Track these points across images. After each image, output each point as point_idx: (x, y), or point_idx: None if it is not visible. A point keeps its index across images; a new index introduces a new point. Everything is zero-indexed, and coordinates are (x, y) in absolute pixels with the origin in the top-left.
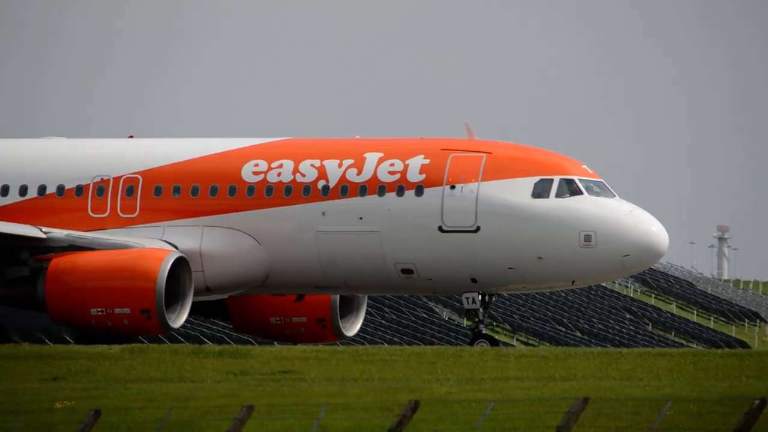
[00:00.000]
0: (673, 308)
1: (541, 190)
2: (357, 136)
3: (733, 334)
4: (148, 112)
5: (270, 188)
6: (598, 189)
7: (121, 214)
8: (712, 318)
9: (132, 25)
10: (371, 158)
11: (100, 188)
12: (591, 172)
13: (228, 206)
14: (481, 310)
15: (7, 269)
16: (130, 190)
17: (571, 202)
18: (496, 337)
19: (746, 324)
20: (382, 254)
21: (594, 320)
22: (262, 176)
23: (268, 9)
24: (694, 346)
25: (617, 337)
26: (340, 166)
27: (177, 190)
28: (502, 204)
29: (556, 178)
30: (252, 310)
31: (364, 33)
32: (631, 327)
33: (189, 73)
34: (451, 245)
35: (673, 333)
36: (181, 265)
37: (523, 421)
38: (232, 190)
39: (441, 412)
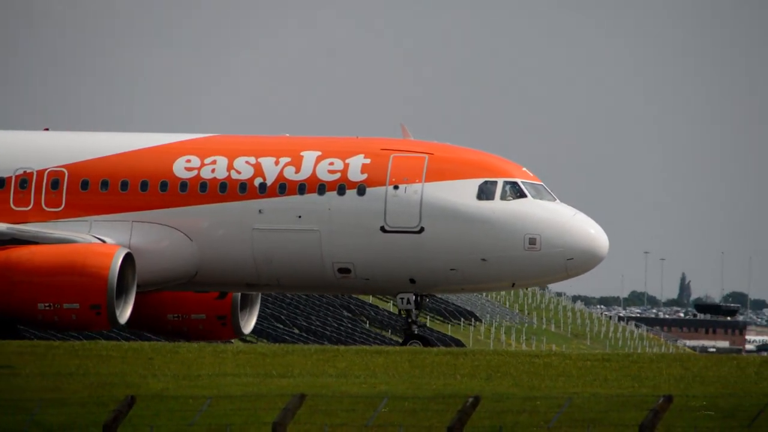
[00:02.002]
0: (390, 306)
1: (485, 192)
2: (287, 134)
3: (449, 333)
4: (62, 105)
5: (204, 184)
6: (540, 192)
7: (45, 207)
8: (428, 317)
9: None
10: (309, 156)
11: (23, 181)
12: (531, 175)
13: (159, 202)
14: (414, 310)
15: None
16: (54, 184)
17: (516, 205)
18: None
19: (462, 323)
20: (321, 253)
21: (312, 317)
22: (195, 172)
23: (207, 5)
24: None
25: (335, 335)
26: (276, 163)
27: (105, 184)
28: (446, 205)
29: (500, 181)
30: (148, 307)
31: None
32: (349, 324)
33: (103, 67)
34: (393, 245)
35: (390, 331)
36: (126, 260)
37: (240, 417)
38: (164, 186)
39: (157, 408)
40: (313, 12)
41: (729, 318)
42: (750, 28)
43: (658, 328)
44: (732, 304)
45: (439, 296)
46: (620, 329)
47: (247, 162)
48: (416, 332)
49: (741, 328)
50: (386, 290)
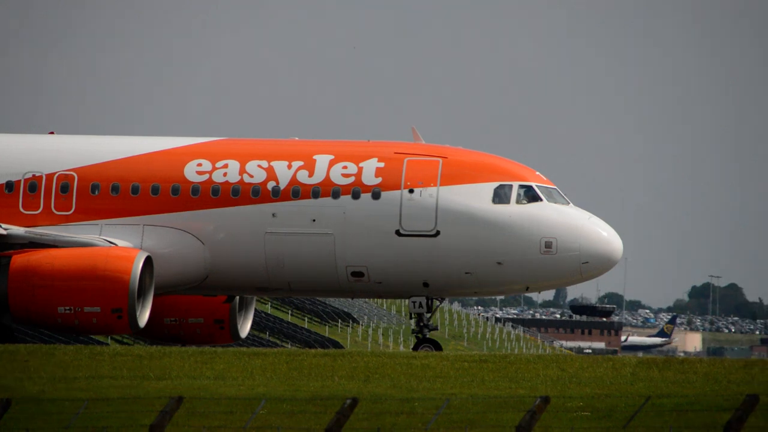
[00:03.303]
0: (268, 308)
1: (501, 196)
2: (295, 138)
3: (327, 335)
4: (69, 109)
5: (216, 188)
6: (553, 195)
7: (55, 211)
8: (306, 318)
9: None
10: (322, 160)
11: (32, 185)
12: (544, 178)
13: (171, 206)
14: (426, 314)
15: None
16: (64, 188)
17: (532, 209)
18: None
19: (339, 324)
20: (334, 257)
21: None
22: (206, 176)
23: (208, 2)
24: (288, 345)
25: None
26: (289, 167)
27: (115, 188)
28: (462, 209)
29: (515, 184)
30: None
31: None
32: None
33: (112, 70)
34: (408, 249)
35: (267, 333)
36: (145, 263)
37: (117, 420)
38: (176, 190)
39: (33, 411)
40: (321, 13)
41: (605, 319)
42: None
43: (534, 329)
44: (607, 305)
45: (317, 299)
46: (497, 330)
47: (259, 166)
48: (427, 336)
49: (617, 329)
50: (398, 294)
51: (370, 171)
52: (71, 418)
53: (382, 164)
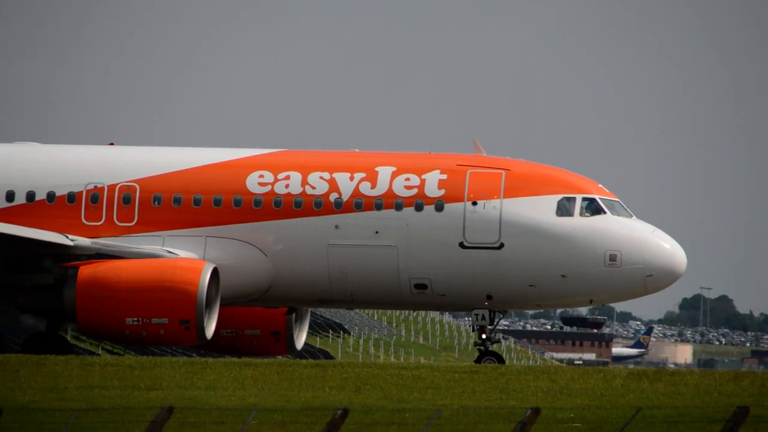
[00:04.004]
0: None
1: (564, 209)
2: (356, 150)
3: (318, 345)
4: (127, 120)
5: (279, 200)
6: (616, 208)
7: (117, 222)
8: None
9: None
10: (384, 172)
11: (94, 196)
12: (607, 191)
13: (233, 217)
14: (489, 327)
15: (29, 276)
16: (126, 199)
17: (595, 221)
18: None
19: (330, 335)
20: (397, 269)
21: None
22: (269, 188)
23: (273, 18)
24: (279, 357)
25: (204, 349)
26: (351, 179)
27: (178, 200)
28: (526, 221)
29: (578, 197)
30: None
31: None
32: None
33: (176, 82)
34: (472, 261)
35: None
36: (212, 275)
37: (107, 430)
38: (238, 201)
39: (24, 421)
40: (382, 23)
41: (595, 330)
42: None
43: (525, 340)
44: (598, 317)
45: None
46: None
47: (321, 177)
48: (490, 349)
49: (607, 341)
50: (461, 306)
51: (432, 183)
52: (62, 428)
53: (444, 176)
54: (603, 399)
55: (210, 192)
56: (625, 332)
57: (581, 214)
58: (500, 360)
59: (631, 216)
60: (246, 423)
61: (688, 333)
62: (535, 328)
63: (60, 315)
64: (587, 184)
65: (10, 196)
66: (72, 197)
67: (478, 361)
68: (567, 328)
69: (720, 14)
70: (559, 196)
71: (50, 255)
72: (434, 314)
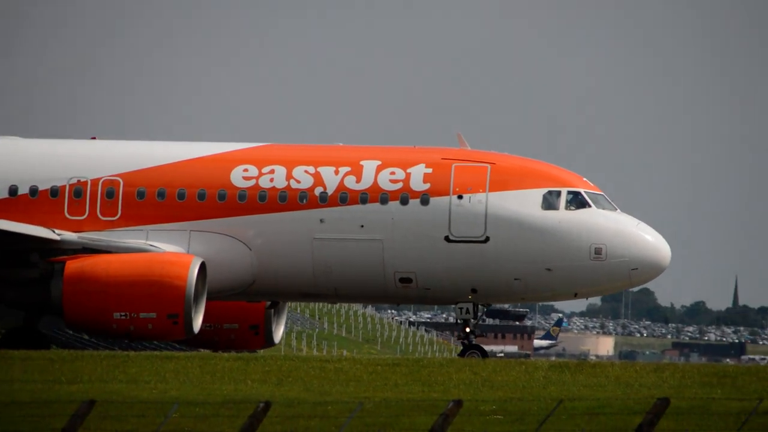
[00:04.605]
0: None
1: (550, 202)
2: (339, 143)
3: None
4: (109, 114)
5: (263, 194)
6: (600, 202)
7: (100, 217)
8: None
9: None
10: (369, 166)
11: (78, 190)
12: (591, 184)
13: (217, 211)
14: (472, 320)
15: (15, 271)
16: (110, 193)
17: (581, 215)
18: None
19: None
20: (382, 263)
21: None
22: (253, 181)
23: (256, 10)
24: (201, 349)
25: (126, 341)
26: (336, 173)
27: (161, 194)
28: (512, 215)
29: (563, 190)
30: None
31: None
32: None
33: (158, 76)
34: (457, 255)
35: None
36: (199, 269)
37: (28, 424)
38: (222, 195)
39: None
40: (360, 17)
41: (517, 323)
42: None
43: (447, 332)
44: (520, 309)
45: None
46: (410, 334)
47: (306, 171)
48: (473, 342)
49: (529, 333)
50: (446, 300)
51: (418, 177)
52: None
53: (429, 170)
54: (525, 391)
55: (194, 186)
56: (548, 324)
57: (566, 208)
58: (484, 354)
59: (616, 209)
60: (167, 416)
61: (610, 325)
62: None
63: (47, 309)
64: (572, 177)
65: None
66: (55, 191)
67: (462, 354)
68: (489, 321)
69: (709, 7)
70: (545, 190)
71: (36, 249)
72: (357, 307)
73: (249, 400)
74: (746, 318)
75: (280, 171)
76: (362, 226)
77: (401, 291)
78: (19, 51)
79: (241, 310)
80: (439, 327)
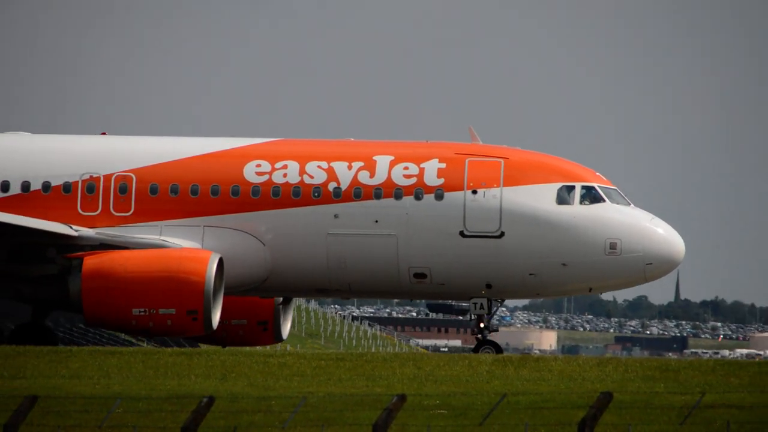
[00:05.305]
0: None
1: (564, 197)
2: (351, 139)
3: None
4: (119, 110)
5: (276, 189)
6: (614, 196)
7: (114, 212)
8: None
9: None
10: (382, 161)
11: (90, 186)
12: (605, 179)
13: (231, 207)
14: (486, 315)
15: (33, 267)
16: (123, 189)
17: (595, 210)
18: None
19: None
20: (397, 258)
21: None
22: (266, 177)
23: (270, 6)
24: (145, 344)
25: (68, 336)
26: (350, 168)
27: (175, 189)
28: (527, 210)
29: (578, 185)
30: None
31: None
32: (81, 325)
33: (170, 71)
34: (472, 250)
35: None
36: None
37: None
38: (235, 191)
39: None
40: (371, 11)
41: (461, 317)
42: None
43: (391, 327)
44: (464, 304)
45: None
46: (354, 329)
47: (319, 167)
48: (488, 338)
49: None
50: (460, 295)
51: (431, 172)
52: None
53: (443, 165)
54: (468, 385)
55: (207, 181)
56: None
57: (581, 203)
58: (498, 349)
59: (629, 204)
60: (110, 411)
61: (553, 319)
62: (400, 315)
63: (65, 306)
64: (585, 172)
65: (5, 186)
66: (67, 187)
67: (475, 350)
68: (433, 315)
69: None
70: (559, 185)
71: (54, 245)
72: (300, 301)
73: (192, 395)
74: (688, 312)
75: (293, 166)
76: (377, 221)
77: (415, 286)
78: (20, 51)
79: (250, 306)
80: (382, 321)
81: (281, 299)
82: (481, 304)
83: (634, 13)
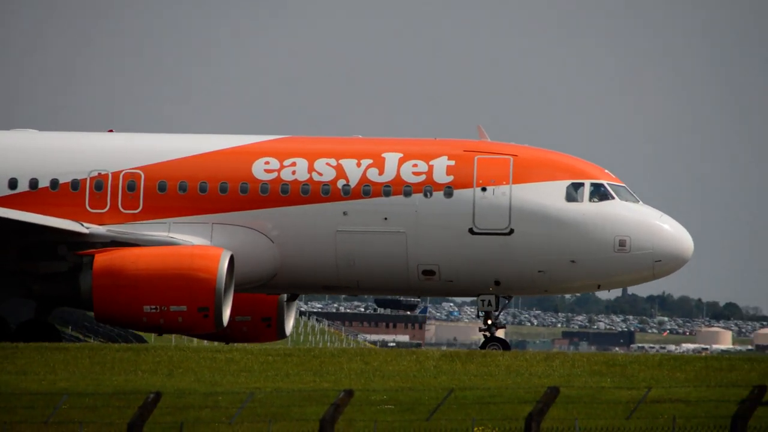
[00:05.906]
0: None
1: (573, 194)
2: (360, 136)
3: (130, 329)
4: (126, 107)
5: (285, 187)
6: (623, 194)
7: (122, 209)
8: None
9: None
10: (391, 158)
11: (98, 183)
12: (613, 176)
13: (239, 204)
14: (494, 312)
15: (44, 264)
16: (131, 186)
17: (605, 207)
18: None
19: None
20: (406, 255)
21: None
22: (275, 174)
23: (277, 3)
24: (92, 340)
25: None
26: (358, 165)
27: (183, 186)
28: (536, 207)
29: (587, 182)
30: None
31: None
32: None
33: (177, 69)
34: (481, 247)
35: (70, 327)
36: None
37: None
38: (244, 188)
39: None
40: (381, 10)
41: (409, 313)
42: None
43: (339, 322)
44: (412, 299)
45: None
46: (302, 324)
47: (327, 164)
48: (496, 335)
49: (421, 323)
50: (468, 292)
51: (441, 169)
52: None
53: (452, 162)
54: (416, 381)
55: (216, 179)
56: (439, 314)
57: (590, 200)
58: (505, 346)
59: (638, 201)
60: (57, 407)
61: (501, 314)
62: (348, 311)
63: (75, 303)
64: (594, 169)
65: (12, 183)
66: (76, 184)
67: (483, 347)
68: (381, 311)
69: None
70: (568, 182)
71: (64, 242)
72: None
73: (139, 390)
74: (635, 307)
75: (302, 164)
76: (386, 218)
77: (424, 283)
78: (27, 48)
79: (254, 303)
80: (330, 317)
81: (287, 296)
82: (489, 301)
83: (644, 12)
